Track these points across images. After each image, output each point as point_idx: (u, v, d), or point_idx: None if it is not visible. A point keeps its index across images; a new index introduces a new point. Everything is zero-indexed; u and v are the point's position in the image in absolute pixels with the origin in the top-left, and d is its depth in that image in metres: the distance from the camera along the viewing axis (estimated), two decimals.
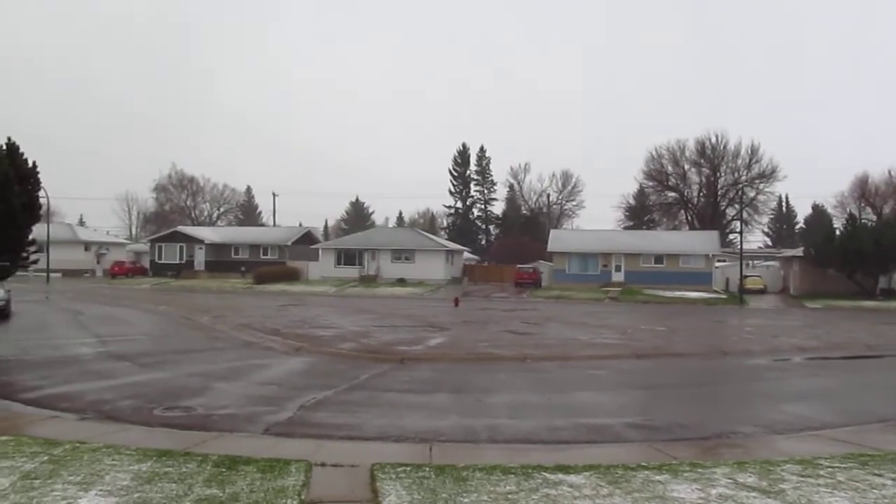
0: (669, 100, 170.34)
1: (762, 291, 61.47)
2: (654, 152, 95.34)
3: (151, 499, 7.62)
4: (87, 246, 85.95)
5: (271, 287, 62.70)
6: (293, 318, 34.58)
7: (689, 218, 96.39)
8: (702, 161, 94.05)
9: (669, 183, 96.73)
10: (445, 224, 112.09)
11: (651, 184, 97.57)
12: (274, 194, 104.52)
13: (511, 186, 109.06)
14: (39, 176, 31.94)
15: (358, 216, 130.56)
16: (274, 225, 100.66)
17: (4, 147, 30.53)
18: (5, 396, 15.02)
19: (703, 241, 68.80)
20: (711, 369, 21.39)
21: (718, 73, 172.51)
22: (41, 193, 32.99)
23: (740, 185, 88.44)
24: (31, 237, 32.63)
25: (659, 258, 66.39)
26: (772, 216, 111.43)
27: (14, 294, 35.26)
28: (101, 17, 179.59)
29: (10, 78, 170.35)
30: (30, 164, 31.34)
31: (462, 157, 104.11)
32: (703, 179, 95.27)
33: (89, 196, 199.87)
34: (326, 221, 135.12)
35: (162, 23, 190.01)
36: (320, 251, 75.08)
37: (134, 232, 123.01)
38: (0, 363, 19.77)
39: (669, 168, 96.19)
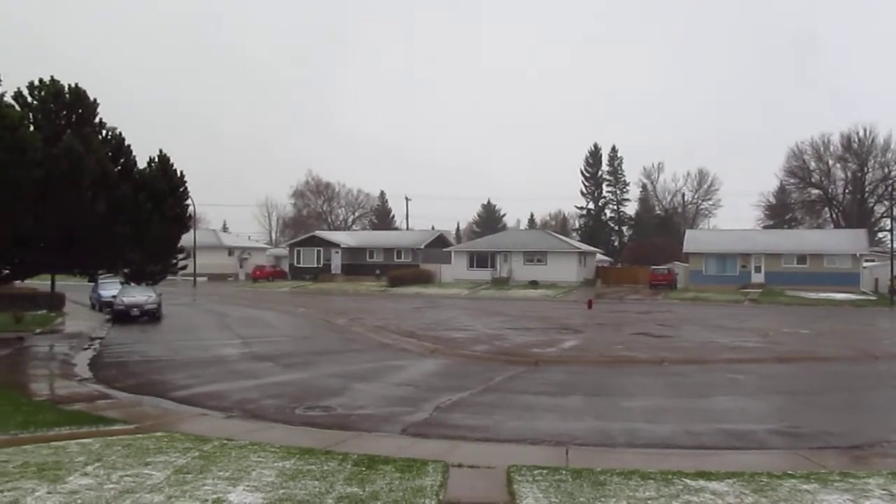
0: (811, 93, 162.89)
1: None
2: (795, 148, 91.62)
3: (295, 495, 7.90)
4: (230, 251, 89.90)
5: (405, 290, 63.66)
6: (427, 320, 35.06)
7: (834, 216, 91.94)
8: (848, 156, 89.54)
9: (812, 179, 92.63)
10: (577, 225, 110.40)
11: (792, 181, 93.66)
12: (406, 198, 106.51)
13: (644, 186, 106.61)
14: (187, 185, 33.65)
15: (489, 218, 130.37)
16: (407, 229, 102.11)
17: (157, 159, 32.33)
18: (158, 394, 15.99)
19: (849, 240, 65.39)
20: (861, 374, 20.26)
21: (864, 64, 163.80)
22: (188, 202, 34.71)
23: (891, 181, 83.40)
24: (179, 244, 34.43)
25: (802, 258, 63.59)
26: None
27: (164, 297, 37.32)
28: (238, 51, 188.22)
29: (179, 119, 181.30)
30: (178, 174, 33.06)
31: (594, 157, 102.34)
32: (849, 175, 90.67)
33: (232, 203, 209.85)
34: (458, 224, 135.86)
35: (299, 49, 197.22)
36: (453, 254, 75.66)
37: (273, 237, 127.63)
38: (153, 363, 21.03)
39: (812, 164, 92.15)
